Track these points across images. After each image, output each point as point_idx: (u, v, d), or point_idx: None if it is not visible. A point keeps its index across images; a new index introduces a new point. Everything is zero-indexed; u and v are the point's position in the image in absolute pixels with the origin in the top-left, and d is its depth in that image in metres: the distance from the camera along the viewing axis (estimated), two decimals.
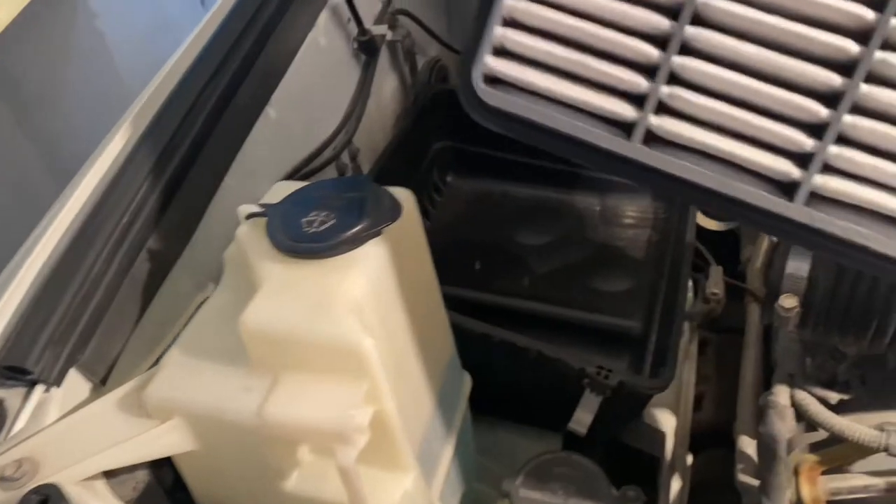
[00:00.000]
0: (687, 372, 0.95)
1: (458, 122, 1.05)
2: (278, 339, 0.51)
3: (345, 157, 0.99)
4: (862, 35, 0.40)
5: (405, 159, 1.02)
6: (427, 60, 1.14)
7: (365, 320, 0.51)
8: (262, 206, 0.58)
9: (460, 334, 0.72)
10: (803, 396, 0.69)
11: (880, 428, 0.66)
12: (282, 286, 0.53)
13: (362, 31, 0.97)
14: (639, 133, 0.40)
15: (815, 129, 0.40)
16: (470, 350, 0.73)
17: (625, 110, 0.40)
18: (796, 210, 0.39)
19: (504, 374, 0.80)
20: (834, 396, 0.70)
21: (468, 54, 0.42)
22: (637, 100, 0.41)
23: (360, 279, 0.52)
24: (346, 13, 0.96)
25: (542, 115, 0.41)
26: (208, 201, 0.75)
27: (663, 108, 0.40)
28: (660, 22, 0.40)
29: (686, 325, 0.94)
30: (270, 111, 0.84)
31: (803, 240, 0.41)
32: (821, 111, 0.39)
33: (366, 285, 0.52)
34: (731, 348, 0.98)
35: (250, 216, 0.59)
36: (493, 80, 0.42)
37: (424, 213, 1.05)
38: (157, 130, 0.73)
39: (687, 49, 0.40)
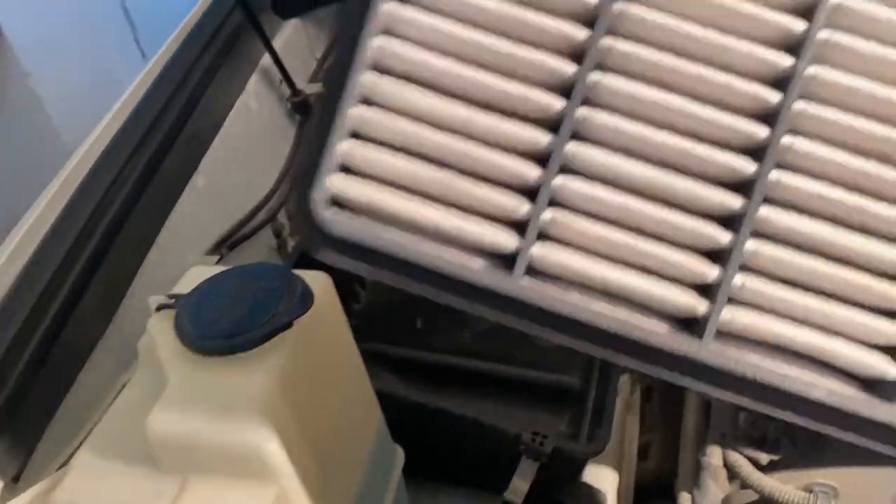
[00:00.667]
0: (630, 426, 0.95)
1: None
2: (184, 444, 0.50)
3: (281, 217, 0.98)
4: (756, 153, 0.35)
5: None
6: None
7: (275, 418, 0.50)
8: (172, 296, 0.57)
9: (395, 403, 0.71)
10: (735, 458, 0.70)
11: (808, 489, 0.66)
12: (188, 386, 0.52)
13: (295, 91, 0.97)
14: (521, 265, 0.33)
15: (717, 256, 0.34)
16: (406, 418, 0.72)
17: (504, 239, 0.34)
18: (704, 349, 0.33)
19: (442, 439, 0.80)
20: (765, 457, 0.70)
21: (306, 174, 0.34)
22: (516, 226, 0.34)
23: (268, 377, 0.51)
24: (278, 75, 0.96)
25: (402, 247, 0.34)
26: (131, 277, 0.74)
27: (544, 236, 0.35)
28: (538, 137, 0.34)
29: (627, 377, 0.93)
30: (198, 179, 0.83)
31: (708, 381, 0.36)
32: (721, 237, 0.34)
33: (275, 382, 0.51)
34: (676, 395, 0.98)
35: (160, 308, 0.57)
36: (340, 204, 0.34)
37: None
38: (77, 206, 0.71)
39: (568, 168, 0.34)
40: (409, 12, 0.34)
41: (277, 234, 0.98)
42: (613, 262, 0.34)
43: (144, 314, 0.72)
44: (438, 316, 1.00)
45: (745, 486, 0.70)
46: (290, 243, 1.01)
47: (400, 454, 0.73)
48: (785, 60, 0.34)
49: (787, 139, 0.35)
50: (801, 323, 0.34)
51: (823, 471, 0.68)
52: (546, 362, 0.93)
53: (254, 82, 0.92)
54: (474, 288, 0.34)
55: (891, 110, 0.34)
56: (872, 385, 0.35)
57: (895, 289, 0.34)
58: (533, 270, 0.34)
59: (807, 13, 0.34)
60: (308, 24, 1.03)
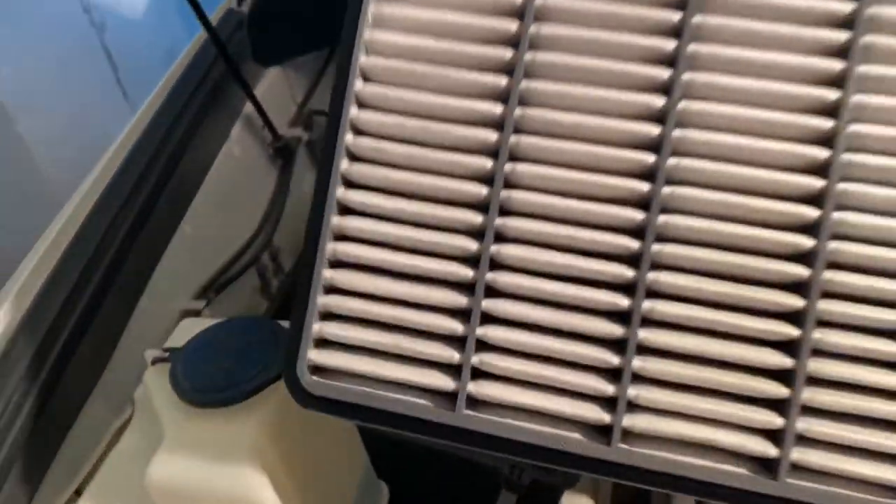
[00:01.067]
0: None
1: None
2: (182, 493, 0.53)
3: (265, 259, 1.01)
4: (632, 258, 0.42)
5: None
6: None
7: (266, 466, 0.53)
8: (166, 350, 0.61)
9: (378, 443, 0.74)
10: None
11: None
12: (184, 437, 0.55)
13: (276, 136, 1.01)
14: (461, 401, 0.42)
15: (614, 373, 0.42)
16: (389, 458, 0.76)
17: (444, 382, 0.42)
18: (613, 452, 0.41)
19: (425, 475, 0.83)
20: None
21: (290, 351, 0.43)
22: (454, 370, 0.43)
23: (259, 427, 0.54)
24: (260, 121, 0.99)
25: (369, 398, 0.43)
26: (124, 324, 0.77)
27: (479, 374, 0.43)
28: (455, 298, 0.42)
29: None
30: (186, 226, 0.86)
31: (625, 477, 0.43)
32: (612, 359, 0.41)
33: (265, 432, 0.55)
34: None
35: (155, 361, 0.61)
36: (319, 370, 0.44)
37: None
38: (72, 256, 0.74)
39: (488, 317, 0.42)
40: (360, 197, 0.44)
41: (261, 275, 1.01)
42: (534, 388, 0.43)
43: (137, 359, 0.75)
44: None
45: None
46: (274, 283, 1.04)
47: (385, 491, 0.76)
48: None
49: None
50: (693, 420, 0.42)
51: None
52: None
53: (237, 129, 0.96)
54: (426, 423, 0.44)
55: None
56: (761, 464, 0.42)
57: (762, 384, 0.41)
58: (473, 402, 0.43)
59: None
60: (288, 71, 1.07)
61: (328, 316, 0.45)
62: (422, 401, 0.44)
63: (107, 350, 0.75)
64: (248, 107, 0.99)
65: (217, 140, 0.93)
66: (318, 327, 0.44)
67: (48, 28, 1.30)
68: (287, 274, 1.04)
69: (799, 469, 0.41)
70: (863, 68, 0.40)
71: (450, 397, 0.43)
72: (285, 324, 0.60)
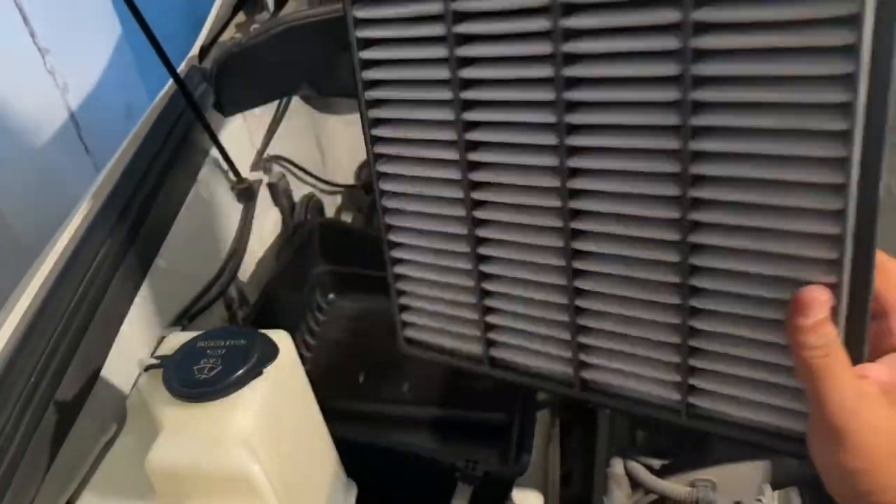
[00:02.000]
0: (552, 455, 1.08)
1: (334, 249, 1.18)
2: (181, 475, 0.61)
3: (232, 292, 1.09)
4: None
5: (288, 287, 1.14)
6: (302, 197, 1.27)
7: (254, 450, 0.61)
8: (158, 358, 0.68)
9: (347, 445, 0.82)
10: (633, 466, 0.84)
11: (692, 485, 0.81)
12: (180, 428, 0.63)
13: (240, 179, 1.10)
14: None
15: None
16: (356, 458, 0.84)
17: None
18: None
19: (389, 473, 0.91)
20: (657, 462, 0.84)
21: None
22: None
23: (247, 415, 0.62)
24: (224, 165, 1.09)
25: None
26: (108, 349, 0.84)
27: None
28: None
29: (546, 412, 1.07)
30: (160, 261, 0.94)
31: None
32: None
33: (252, 420, 0.63)
34: (591, 428, 1.12)
35: (148, 368, 0.68)
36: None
37: (310, 333, 1.16)
38: (56, 293, 0.81)
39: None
40: None
41: (228, 307, 1.09)
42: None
43: (120, 381, 0.83)
44: (379, 369, 1.12)
45: (644, 489, 0.84)
46: (240, 314, 1.12)
47: (353, 488, 0.84)
48: None
49: None
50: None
51: (705, 470, 0.82)
52: (475, 404, 1.06)
53: (204, 173, 1.05)
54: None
55: None
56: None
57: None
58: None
59: None
60: (248, 120, 1.17)
61: None
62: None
63: (94, 371, 0.82)
64: (213, 153, 1.08)
65: (187, 182, 1.02)
66: None
67: (14, 91, 1.38)
68: (252, 305, 1.12)
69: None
70: None
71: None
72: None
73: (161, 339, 0.92)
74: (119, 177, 0.93)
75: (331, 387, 0.76)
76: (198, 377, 0.64)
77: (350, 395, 1.06)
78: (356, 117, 1.42)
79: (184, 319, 0.97)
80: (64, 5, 1.51)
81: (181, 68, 1.09)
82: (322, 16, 1.11)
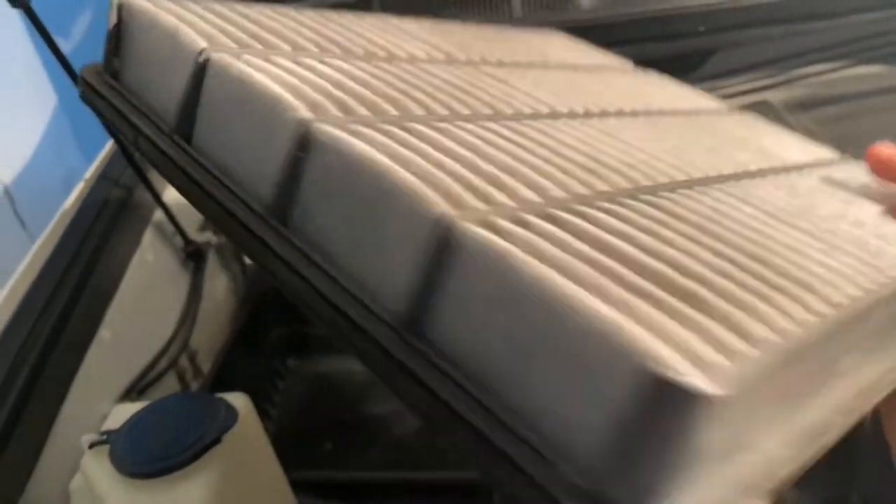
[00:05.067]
0: None
1: (292, 310, 1.12)
2: None
3: (183, 361, 1.02)
4: None
5: (244, 351, 1.07)
6: None
7: None
8: (103, 433, 0.62)
9: None
10: None
11: None
12: None
13: (187, 241, 1.04)
14: None
15: None
16: None
17: None
18: None
19: None
20: None
21: None
22: None
23: (203, 490, 0.56)
24: (170, 227, 1.03)
25: None
26: (48, 431, 0.76)
27: None
28: None
29: None
30: (104, 333, 0.87)
31: None
32: None
33: (209, 491, 0.56)
34: None
35: (93, 445, 0.61)
36: None
37: (270, 401, 1.09)
38: None
39: None
40: None
41: (181, 378, 1.02)
42: None
43: (61, 468, 0.75)
44: (345, 435, 1.05)
45: None
46: (193, 385, 1.04)
47: None
48: None
49: None
50: None
51: None
52: (450, 463, 1.00)
53: (148, 236, 0.99)
54: None
55: None
56: None
57: None
58: None
59: None
60: None
61: None
62: None
63: (33, 455, 0.74)
64: (157, 215, 1.02)
65: (129, 247, 0.95)
66: None
67: None
68: (206, 375, 1.05)
69: None
70: None
71: None
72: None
73: (105, 419, 0.85)
74: (54, 246, 0.87)
75: (297, 457, 0.70)
76: (148, 450, 0.58)
77: (318, 464, 0.99)
78: None
79: (132, 394, 0.89)
80: None
81: None
82: None
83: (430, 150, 0.36)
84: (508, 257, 0.28)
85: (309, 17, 0.55)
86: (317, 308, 0.34)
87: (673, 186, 0.43)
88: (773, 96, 1.18)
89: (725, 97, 1.22)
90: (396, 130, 0.38)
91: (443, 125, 0.41)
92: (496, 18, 1.14)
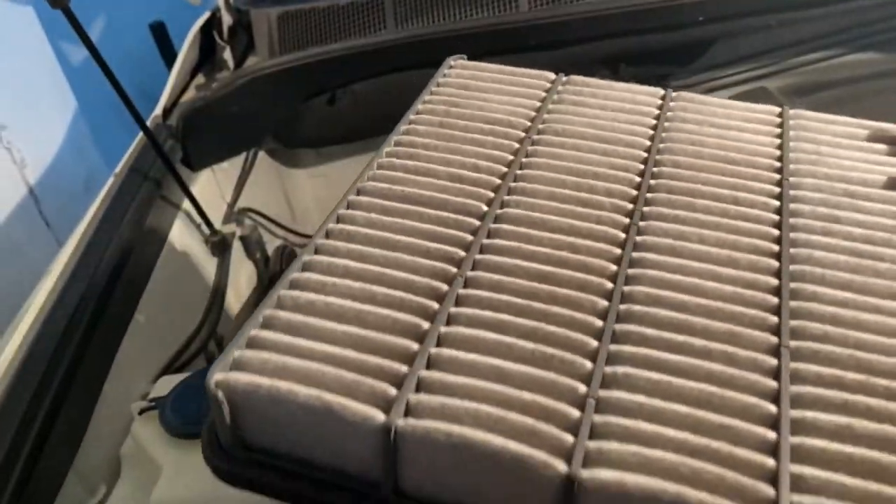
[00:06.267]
0: None
1: None
2: None
3: (212, 346, 1.07)
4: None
5: None
6: (276, 247, 1.26)
7: None
8: (152, 400, 0.66)
9: None
10: None
11: None
12: (182, 468, 0.60)
13: (213, 232, 1.09)
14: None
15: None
16: None
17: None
18: None
19: None
20: None
21: None
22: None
23: None
24: (196, 219, 1.07)
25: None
26: (91, 409, 0.81)
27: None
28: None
29: None
30: (140, 316, 0.92)
31: None
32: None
33: None
34: None
35: (142, 411, 0.66)
36: None
37: None
38: (35, 353, 0.78)
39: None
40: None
41: (209, 362, 1.06)
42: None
43: (106, 441, 0.79)
44: None
45: None
46: None
47: None
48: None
49: None
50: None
51: None
52: None
53: (177, 227, 1.04)
54: None
55: None
56: None
57: None
58: None
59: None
60: (217, 174, 1.17)
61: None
62: None
63: (80, 430, 0.78)
64: (184, 207, 1.07)
65: (160, 236, 1.00)
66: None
67: None
68: None
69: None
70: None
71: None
72: None
73: (146, 395, 0.90)
74: (91, 235, 0.91)
75: None
76: (195, 413, 0.63)
77: None
78: (321, 170, 1.44)
79: (170, 372, 0.94)
80: (18, 80, 1.50)
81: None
82: (285, 64, 1.12)
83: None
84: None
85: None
86: None
87: (786, 309, 0.44)
88: (771, 83, 1.22)
89: (724, 86, 1.27)
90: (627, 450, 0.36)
91: None
92: (502, 14, 1.19)
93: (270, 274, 1.24)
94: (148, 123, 1.11)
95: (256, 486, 0.42)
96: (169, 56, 1.60)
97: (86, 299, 0.85)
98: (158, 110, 1.16)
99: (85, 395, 0.81)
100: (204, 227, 1.09)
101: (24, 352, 0.77)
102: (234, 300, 1.14)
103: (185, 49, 1.27)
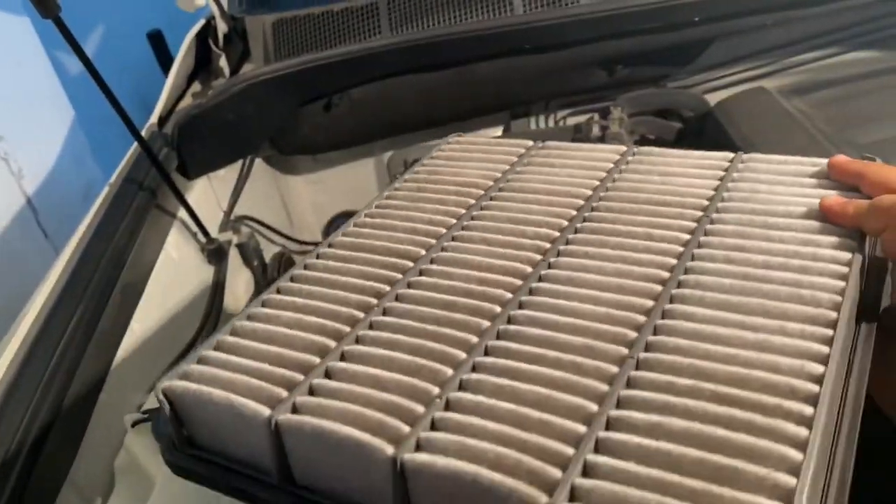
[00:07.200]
0: None
1: None
2: None
3: None
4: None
5: None
6: (274, 255, 1.25)
7: None
8: (146, 412, 0.66)
9: None
10: None
11: None
12: (174, 479, 0.59)
13: (209, 240, 1.08)
14: None
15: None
16: None
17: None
18: None
19: None
20: None
21: None
22: None
23: None
24: (192, 227, 1.07)
25: None
26: (87, 420, 0.81)
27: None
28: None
29: None
30: (135, 325, 0.91)
31: None
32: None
33: None
34: None
35: (135, 423, 0.65)
36: None
37: None
38: (31, 364, 0.78)
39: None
40: None
41: None
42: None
43: (102, 451, 0.79)
44: None
45: None
46: None
47: None
48: None
49: None
50: None
51: None
52: None
53: (173, 235, 1.03)
54: None
55: None
56: None
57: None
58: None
59: None
60: (213, 181, 1.17)
61: None
62: None
63: (73, 443, 0.78)
64: (180, 215, 1.07)
65: (156, 245, 1.00)
66: None
67: None
68: None
69: None
70: None
71: None
72: None
73: (142, 406, 0.89)
74: (86, 246, 0.91)
75: None
76: None
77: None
78: (318, 176, 1.43)
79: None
80: (15, 90, 1.50)
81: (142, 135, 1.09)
82: (281, 71, 1.12)
83: (488, 425, 0.40)
84: None
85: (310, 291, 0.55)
86: None
87: (649, 327, 0.46)
88: (769, 83, 1.22)
89: (723, 86, 1.26)
90: (454, 417, 0.41)
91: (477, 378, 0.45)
92: (497, 17, 1.19)
93: (268, 281, 1.24)
94: (143, 132, 1.11)
95: (199, 478, 0.50)
96: (167, 64, 1.60)
97: (81, 310, 0.84)
98: (154, 119, 1.16)
99: (80, 406, 0.80)
100: (200, 236, 1.08)
101: (20, 363, 0.77)
102: (232, 308, 1.13)
103: (181, 57, 1.27)
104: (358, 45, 1.19)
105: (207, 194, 1.14)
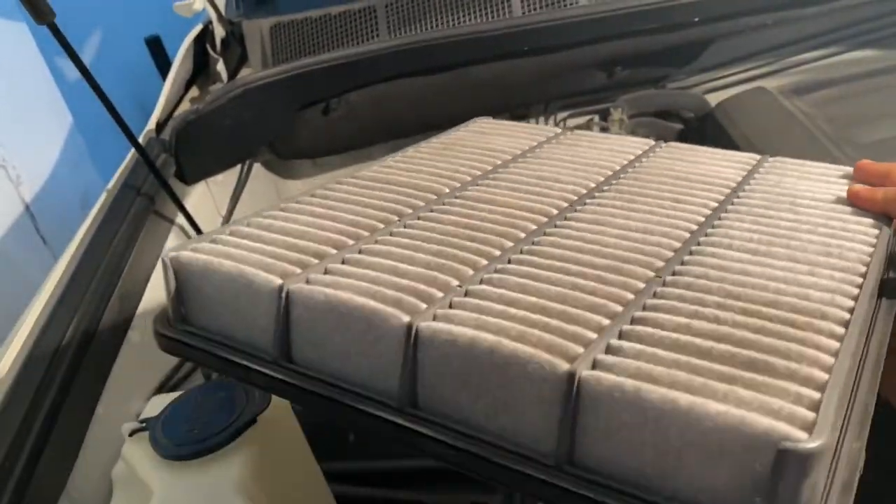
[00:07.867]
0: None
1: None
2: None
3: None
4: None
5: None
6: None
7: (254, 498, 0.58)
8: (143, 421, 0.65)
9: (346, 502, 0.78)
10: None
11: None
12: (173, 490, 0.59)
13: None
14: None
15: None
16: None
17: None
18: None
19: None
20: None
21: None
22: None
23: (242, 469, 0.59)
24: (192, 232, 1.06)
25: None
26: (85, 429, 0.80)
27: None
28: None
29: None
30: (133, 334, 0.91)
31: None
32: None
33: (249, 472, 0.59)
34: None
35: (133, 433, 0.65)
36: None
37: None
38: (27, 372, 0.77)
39: None
40: None
41: (207, 377, 1.05)
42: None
43: (100, 461, 0.78)
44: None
45: None
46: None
47: None
48: None
49: None
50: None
51: None
52: None
53: (171, 240, 1.02)
54: None
55: None
56: None
57: None
58: None
59: None
60: (211, 187, 1.16)
61: None
62: None
63: (71, 453, 0.77)
64: (178, 221, 1.06)
65: (154, 251, 0.99)
66: None
67: None
68: None
69: None
70: None
71: None
72: None
73: (139, 415, 0.89)
74: (84, 250, 0.90)
75: (324, 449, 0.73)
76: (187, 434, 0.61)
77: (343, 455, 1.01)
78: (316, 180, 1.42)
79: (163, 391, 0.93)
80: (12, 97, 1.50)
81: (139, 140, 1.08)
82: (279, 75, 1.11)
83: (509, 309, 0.40)
84: (639, 391, 0.33)
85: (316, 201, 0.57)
86: (480, 470, 0.38)
87: (677, 259, 0.47)
88: (769, 83, 1.21)
89: (723, 86, 1.26)
90: (474, 301, 0.42)
91: (496, 277, 0.45)
92: (496, 19, 1.18)
93: None
94: (141, 138, 1.10)
95: (191, 354, 0.50)
96: (165, 69, 1.60)
97: (79, 316, 0.83)
98: (151, 124, 1.15)
99: (77, 416, 0.79)
100: None
101: (16, 371, 0.76)
102: None
103: (178, 62, 1.26)
104: (356, 49, 1.18)
105: (206, 200, 1.14)
